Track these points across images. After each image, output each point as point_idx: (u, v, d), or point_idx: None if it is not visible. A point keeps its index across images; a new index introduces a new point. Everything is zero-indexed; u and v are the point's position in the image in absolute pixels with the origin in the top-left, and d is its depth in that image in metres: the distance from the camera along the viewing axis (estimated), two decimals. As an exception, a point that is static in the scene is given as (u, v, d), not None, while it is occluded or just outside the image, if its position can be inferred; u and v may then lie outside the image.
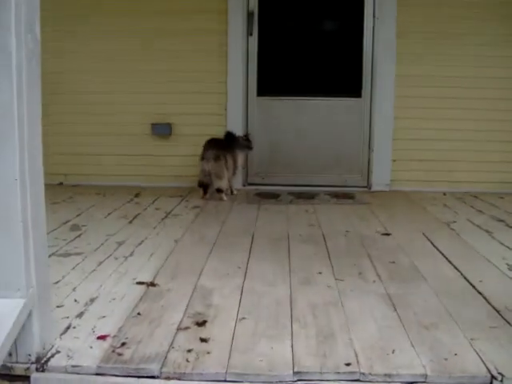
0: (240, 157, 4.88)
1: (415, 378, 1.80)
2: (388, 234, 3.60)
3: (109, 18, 5.13)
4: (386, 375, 1.81)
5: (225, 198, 4.68)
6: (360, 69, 5.24)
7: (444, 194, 5.01)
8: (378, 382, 1.80)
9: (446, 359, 1.89)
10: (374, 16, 5.13)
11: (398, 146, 5.21)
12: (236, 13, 5.08)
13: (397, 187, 5.20)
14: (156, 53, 5.17)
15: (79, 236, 3.47)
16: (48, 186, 4.99)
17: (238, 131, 5.06)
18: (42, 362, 1.87)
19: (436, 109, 5.16)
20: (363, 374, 1.81)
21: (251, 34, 5.19)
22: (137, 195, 4.83)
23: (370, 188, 5.29)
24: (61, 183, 5.30)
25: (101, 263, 2.93)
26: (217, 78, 5.17)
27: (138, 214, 4.14)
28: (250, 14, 5.14)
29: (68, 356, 1.91)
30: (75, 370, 1.85)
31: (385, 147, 5.22)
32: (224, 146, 4.68)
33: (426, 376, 1.80)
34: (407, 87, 5.12)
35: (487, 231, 3.69)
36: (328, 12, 5.43)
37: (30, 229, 1.79)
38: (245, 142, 4.90)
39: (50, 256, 2.92)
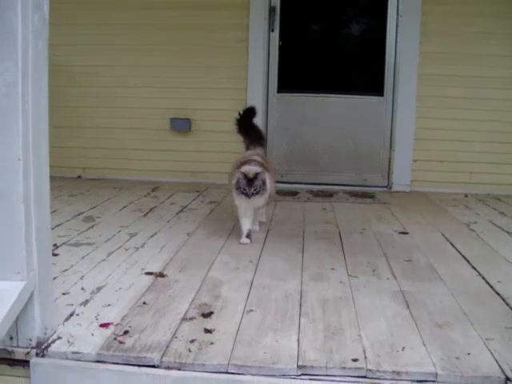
0: None
1: (425, 377, 1.73)
2: (406, 233, 3.52)
3: (130, 12, 5.12)
4: (394, 372, 1.74)
5: None
6: (382, 67, 5.15)
7: (466, 196, 4.90)
8: (385, 379, 1.73)
9: (457, 358, 1.81)
10: (397, 13, 5.04)
11: (420, 146, 5.11)
12: (258, 8, 5.03)
13: (417, 188, 5.10)
14: (176, 47, 5.14)
15: (92, 227, 3.45)
16: (66, 179, 4.98)
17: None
18: (43, 347, 1.84)
19: (458, 109, 5.05)
20: (370, 370, 1.74)
21: (273, 30, 5.13)
22: (154, 190, 4.80)
23: (390, 188, 5.20)
24: (79, 176, 5.30)
25: (111, 253, 2.91)
26: (237, 73, 5.12)
27: (154, 207, 4.11)
28: (272, 10, 5.08)
29: (69, 342, 1.87)
30: (75, 356, 1.82)
31: (406, 147, 5.13)
32: None
33: (436, 375, 1.73)
34: (430, 86, 5.01)
35: (508, 233, 3.59)
36: (351, 9, 5.38)
37: (32, 211, 1.76)
38: None
39: (60, 245, 2.97)
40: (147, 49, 5.17)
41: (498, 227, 3.76)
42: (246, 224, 3.23)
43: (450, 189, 5.04)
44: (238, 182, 3.09)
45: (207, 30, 5.06)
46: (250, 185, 3.05)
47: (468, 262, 2.93)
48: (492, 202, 4.68)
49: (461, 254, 3.07)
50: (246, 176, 3.05)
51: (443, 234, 3.50)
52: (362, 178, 5.26)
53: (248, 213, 3.23)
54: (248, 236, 3.23)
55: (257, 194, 3.07)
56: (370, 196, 4.84)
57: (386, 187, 5.23)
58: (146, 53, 5.17)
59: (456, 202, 4.66)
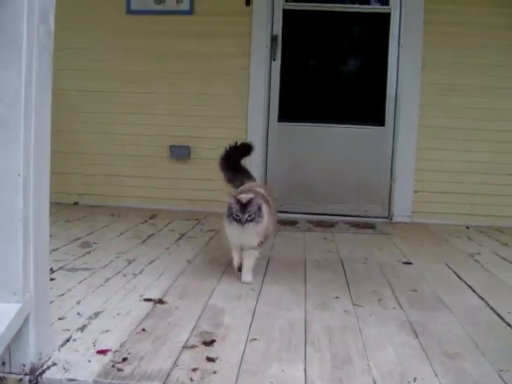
0: None
1: (439, 409, 1.65)
2: (409, 263, 3.45)
3: (128, 38, 5.11)
4: (406, 404, 1.66)
5: None
6: (384, 97, 5.14)
7: (467, 228, 4.83)
8: (397, 411, 1.65)
9: (472, 390, 1.74)
10: (398, 44, 5.04)
11: (420, 176, 5.06)
12: (259, 37, 5.03)
13: (418, 219, 5.04)
14: (176, 75, 5.12)
15: (89, 252, 3.37)
16: (62, 205, 4.88)
17: (258, 156, 5.00)
18: (37, 373, 1.75)
19: (460, 140, 5.02)
20: (382, 401, 1.66)
21: (274, 59, 5.13)
22: (152, 217, 4.72)
23: (390, 219, 5.14)
24: (76, 203, 5.23)
25: (108, 279, 2.82)
26: (238, 101, 5.10)
27: (152, 234, 4.03)
28: (273, 39, 5.09)
29: (64, 369, 1.78)
30: (71, 383, 1.72)
31: (407, 178, 5.08)
32: None
33: (450, 407, 1.65)
34: (431, 117, 4.99)
35: (513, 264, 3.54)
36: (353, 39, 5.40)
37: (30, 229, 1.69)
38: None
39: (56, 270, 2.89)
40: (147, 75, 5.14)
41: (503, 258, 3.69)
42: (237, 258, 2.92)
43: (451, 220, 4.98)
44: (229, 208, 2.75)
45: (208, 57, 5.04)
46: (243, 211, 2.69)
47: (475, 292, 2.86)
48: (494, 233, 4.61)
49: (467, 284, 3.00)
50: (239, 201, 2.72)
51: (447, 265, 3.43)
52: (363, 209, 5.20)
53: (238, 247, 2.89)
54: (240, 269, 2.93)
55: (251, 221, 2.70)
56: (371, 227, 4.78)
57: (387, 218, 5.17)
58: (145, 79, 5.15)
59: (458, 233, 4.59)
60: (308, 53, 5.33)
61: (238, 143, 3.42)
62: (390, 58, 5.09)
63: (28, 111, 1.63)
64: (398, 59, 5.06)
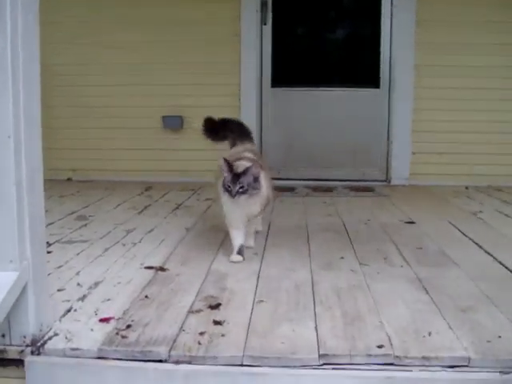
0: None
1: (457, 362, 1.60)
2: (412, 223, 3.40)
3: (118, 7, 4.97)
4: (423, 358, 1.60)
5: None
6: (378, 58, 5.03)
7: (466, 188, 4.77)
8: (414, 365, 1.59)
9: (489, 341, 1.68)
10: (391, 4, 4.93)
11: (418, 138, 4.99)
12: (250, 1, 4.90)
13: (416, 181, 4.97)
14: (166, 43, 4.98)
15: (85, 225, 3.29)
16: (56, 182, 4.77)
17: (252, 123, 4.91)
18: (38, 344, 1.69)
19: (457, 100, 4.93)
20: (398, 357, 1.60)
21: (265, 23, 5.01)
22: (147, 189, 4.64)
23: (389, 182, 5.08)
24: (69, 179, 5.13)
25: (107, 249, 2.76)
26: (230, 68, 4.99)
27: (148, 205, 3.96)
28: (264, 3, 4.96)
29: (67, 338, 1.72)
30: (74, 353, 1.66)
31: (404, 139, 5.01)
32: None
33: (468, 359, 1.59)
34: (427, 77, 4.90)
35: (518, 220, 3.50)
36: (344, 0, 5.27)
37: (24, 194, 1.61)
38: None
39: (53, 243, 2.80)
40: (136, 45, 5.01)
41: (505, 215, 3.66)
42: (237, 237, 2.62)
43: (450, 181, 4.91)
44: (225, 177, 2.48)
45: (198, 24, 4.91)
46: (235, 181, 2.42)
47: (481, 247, 2.81)
48: (494, 192, 4.56)
49: (473, 240, 2.95)
50: (232, 170, 2.45)
51: (450, 222, 3.38)
52: (360, 173, 5.13)
53: (238, 221, 2.61)
54: (240, 252, 2.60)
55: (243, 193, 2.44)
56: (370, 190, 4.73)
57: (385, 181, 5.11)
58: (135, 49, 5.01)
59: (457, 193, 4.54)
60: (299, 16, 5.20)
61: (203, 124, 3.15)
62: (383, 19, 4.98)
63: (15, 72, 1.54)
64: (391, 19, 4.95)
